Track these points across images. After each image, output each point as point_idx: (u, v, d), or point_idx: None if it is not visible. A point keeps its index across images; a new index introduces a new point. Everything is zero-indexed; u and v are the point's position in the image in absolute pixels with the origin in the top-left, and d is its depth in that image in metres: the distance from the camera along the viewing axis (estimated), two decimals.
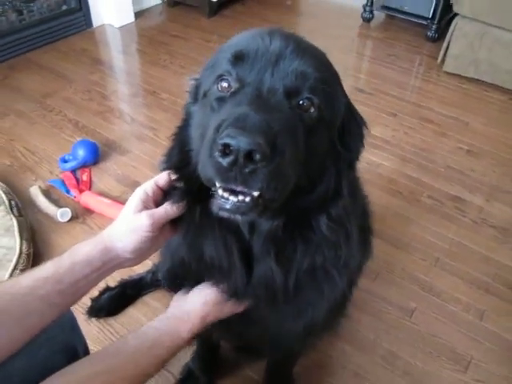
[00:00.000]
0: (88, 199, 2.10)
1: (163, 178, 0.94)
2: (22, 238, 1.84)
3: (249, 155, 0.63)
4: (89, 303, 1.71)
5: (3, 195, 2.01)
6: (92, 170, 2.31)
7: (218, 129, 0.67)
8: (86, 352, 1.14)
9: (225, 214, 0.74)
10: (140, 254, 0.92)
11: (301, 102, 0.76)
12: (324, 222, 0.84)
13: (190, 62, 3.26)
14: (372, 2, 3.83)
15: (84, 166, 2.29)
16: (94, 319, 1.68)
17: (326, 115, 0.79)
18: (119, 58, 3.41)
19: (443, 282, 1.89)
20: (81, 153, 2.28)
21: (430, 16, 3.58)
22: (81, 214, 2.08)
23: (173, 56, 3.34)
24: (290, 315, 1.00)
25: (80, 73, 3.10)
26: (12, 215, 1.93)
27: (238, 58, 0.77)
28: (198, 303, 0.97)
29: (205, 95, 0.83)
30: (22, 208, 2.02)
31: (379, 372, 1.59)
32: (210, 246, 0.86)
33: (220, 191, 0.72)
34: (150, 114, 2.77)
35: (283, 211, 0.82)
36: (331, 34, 3.74)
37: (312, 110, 0.76)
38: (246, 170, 0.64)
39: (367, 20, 3.93)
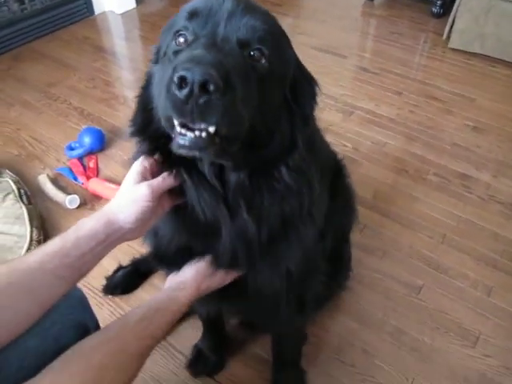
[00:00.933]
0: (95, 185, 2.12)
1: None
2: (32, 226, 1.87)
3: (203, 87, 0.67)
4: (99, 287, 1.75)
5: (12, 184, 2.04)
6: (98, 157, 2.32)
7: (174, 68, 0.71)
8: (98, 329, 1.18)
9: (183, 152, 0.77)
10: (141, 225, 0.95)
11: (252, 53, 0.80)
12: (285, 171, 0.89)
13: None
14: None
15: (90, 153, 2.31)
16: (105, 303, 1.71)
17: (276, 68, 0.83)
18: (122, 44, 3.40)
19: (450, 259, 1.90)
20: (87, 140, 2.30)
21: None
22: (89, 201, 2.10)
23: None
24: (266, 269, 1.04)
25: (83, 61, 3.10)
26: (22, 203, 1.96)
27: (193, 14, 0.82)
28: (190, 274, 1.03)
29: (164, 54, 0.88)
30: (31, 196, 2.05)
31: (387, 349, 1.61)
32: (203, 200, 0.91)
33: (178, 128, 0.75)
34: None
35: (245, 162, 0.86)
36: (334, 14, 3.70)
37: (263, 60, 0.81)
38: (201, 101, 0.68)
39: None
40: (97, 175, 2.22)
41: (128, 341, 0.89)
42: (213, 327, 1.53)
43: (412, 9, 3.75)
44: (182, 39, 0.82)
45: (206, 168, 0.89)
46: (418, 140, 2.47)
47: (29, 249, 1.79)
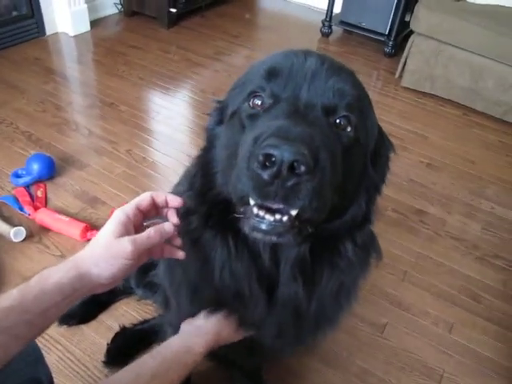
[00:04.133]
0: (44, 217, 1.97)
1: (145, 200, 0.90)
2: None
3: (292, 168, 0.59)
4: None
5: None
6: (47, 186, 2.18)
7: (256, 140, 0.63)
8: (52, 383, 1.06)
9: (258, 236, 0.69)
10: (114, 281, 0.86)
11: (338, 121, 0.74)
12: (351, 248, 0.82)
13: (149, 74, 3.18)
14: (331, 18, 3.89)
15: (39, 181, 2.16)
16: (52, 347, 1.56)
17: (362, 136, 0.77)
18: (74, 67, 3.27)
19: (412, 296, 1.90)
20: (35, 167, 2.15)
21: (387, 32, 3.67)
22: (36, 233, 1.94)
23: (131, 67, 3.25)
24: (310, 332, 1.01)
25: (32, 83, 2.94)
26: None
27: (272, 74, 0.74)
28: (212, 318, 0.95)
29: (232, 115, 0.80)
30: None
31: None
32: (227, 273, 0.84)
33: (255, 209, 0.67)
34: (108, 127, 2.66)
35: (311, 236, 0.78)
36: (290, 47, 3.75)
37: (349, 128, 0.74)
38: (289, 184, 0.60)
39: (326, 35, 3.99)
40: (45, 205, 2.07)
41: None
42: None
43: (365, 47, 3.87)
44: (258, 101, 0.74)
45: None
46: None
47: None
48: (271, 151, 0.58)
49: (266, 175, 0.60)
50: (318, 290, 0.85)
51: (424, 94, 3.28)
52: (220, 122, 0.86)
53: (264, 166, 0.60)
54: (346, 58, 3.70)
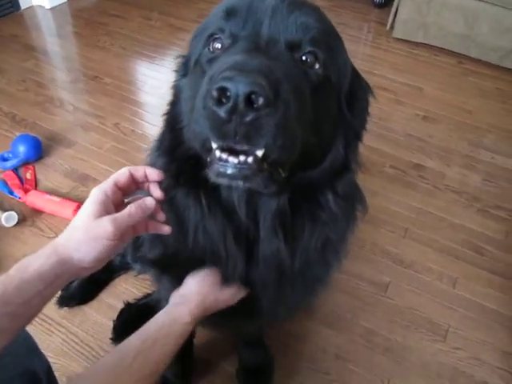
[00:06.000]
0: (35, 199, 1.93)
1: (123, 175, 0.84)
2: None
3: (249, 102, 0.54)
4: (47, 313, 1.58)
5: None
6: (36, 167, 2.12)
7: (211, 79, 0.59)
8: (50, 373, 1.04)
9: (224, 181, 0.65)
10: (99, 263, 0.82)
11: (304, 58, 0.69)
12: (331, 198, 0.79)
13: (132, 43, 3.07)
14: None
15: (27, 163, 2.11)
16: (55, 330, 1.55)
17: (332, 74, 0.73)
18: (54, 42, 3.15)
19: (413, 253, 1.88)
20: (22, 149, 2.09)
21: None
22: (29, 216, 1.90)
23: (113, 37, 3.13)
24: (299, 292, 0.97)
25: (12, 61, 2.84)
26: None
27: (231, 14, 0.69)
28: (194, 283, 0.92)
29: (195, 64, 0.75)
30: None
31: (360, 351, 1.57)
32: (201, 233, 0.81)
33: (217, 152, 0.62)
34: (93, 101, 2.58)
35: (289, 185, 0.75)
36: None
37: (317, 65, 0.70)
38: (247, 119, 0.56)
39: None
40: (35, 187, 2.03)
41: None
42: (182, 350, 1.41)
43: None
44: (217, 44, 0.70)
45: (235, 193, 0.77)
46: (371, 132, 2.38)
47: None
48: (225, 84, 0.54)
49: (222, 112, 0.56)
50: (301, 246, 0.82)
51: (417, 44, 3.18)
52: (185, 75, 0.81)
53: (219, 102, 0.55)
54: (335, 12, 3.58)
